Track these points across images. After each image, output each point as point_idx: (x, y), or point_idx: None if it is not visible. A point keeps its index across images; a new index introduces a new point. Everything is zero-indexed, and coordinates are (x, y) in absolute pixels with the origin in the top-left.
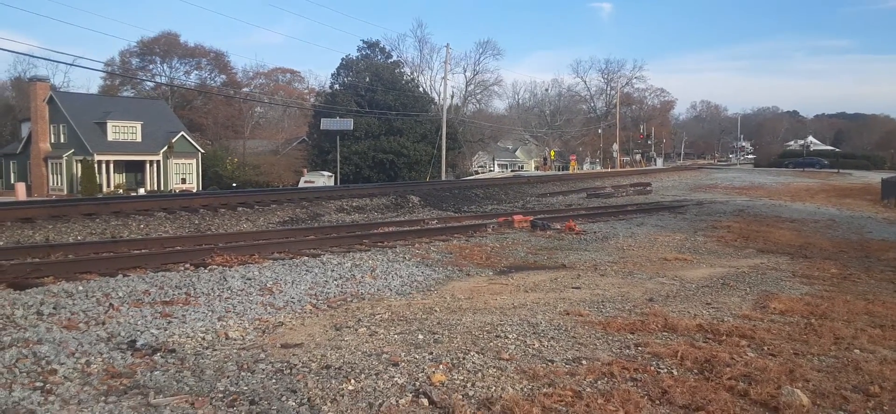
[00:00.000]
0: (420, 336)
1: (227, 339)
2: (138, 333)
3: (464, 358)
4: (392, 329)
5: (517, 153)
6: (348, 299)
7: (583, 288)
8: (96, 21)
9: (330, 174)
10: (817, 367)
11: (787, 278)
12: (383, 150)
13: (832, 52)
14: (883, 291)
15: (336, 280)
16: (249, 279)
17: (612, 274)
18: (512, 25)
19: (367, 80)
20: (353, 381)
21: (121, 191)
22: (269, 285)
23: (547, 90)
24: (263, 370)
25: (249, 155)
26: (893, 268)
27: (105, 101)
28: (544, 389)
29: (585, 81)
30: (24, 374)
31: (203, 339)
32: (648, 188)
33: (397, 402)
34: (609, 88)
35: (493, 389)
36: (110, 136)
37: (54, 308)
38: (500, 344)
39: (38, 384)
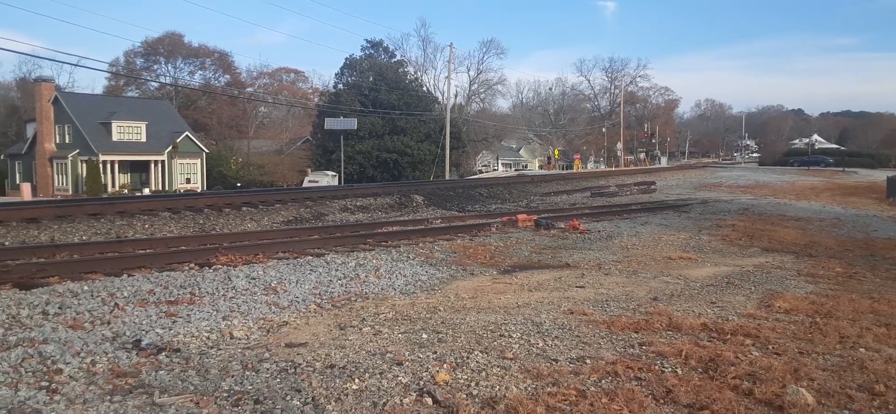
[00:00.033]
0: (424, 335)
1: (231, 338)
2: (143, 332)
3: (468, 357)
4: (396, 328)
5: (521, 152)
6: (352, 299)
7: (587, 287)
8: (100, 21)
9: (334, 174)
10: (822, 366)
11: (791, 277)
12: (387, 149)
13: (837, 50)
14: (888, 290)
15: (340, 279)
16: (254, 279)
17: (616, 273)
18: (515, 24)
19: (371, 79)
20: (357, 380)
21: (125, 191)
22: (273, 285)
23: (551, 89)
24: (268, 369)
25: (253, 155)
26: None
27: (110, 101)
28: (548, 389)
29: (589, 80)
30: (30, 373)
31: (208, 338)
32: (653, 187)
33: (401, 401)
34: (613, 87)
35: (497, 389)
36: (115, 137)
37: (60, 308)
38: (504, 343)
39: (43, 383)
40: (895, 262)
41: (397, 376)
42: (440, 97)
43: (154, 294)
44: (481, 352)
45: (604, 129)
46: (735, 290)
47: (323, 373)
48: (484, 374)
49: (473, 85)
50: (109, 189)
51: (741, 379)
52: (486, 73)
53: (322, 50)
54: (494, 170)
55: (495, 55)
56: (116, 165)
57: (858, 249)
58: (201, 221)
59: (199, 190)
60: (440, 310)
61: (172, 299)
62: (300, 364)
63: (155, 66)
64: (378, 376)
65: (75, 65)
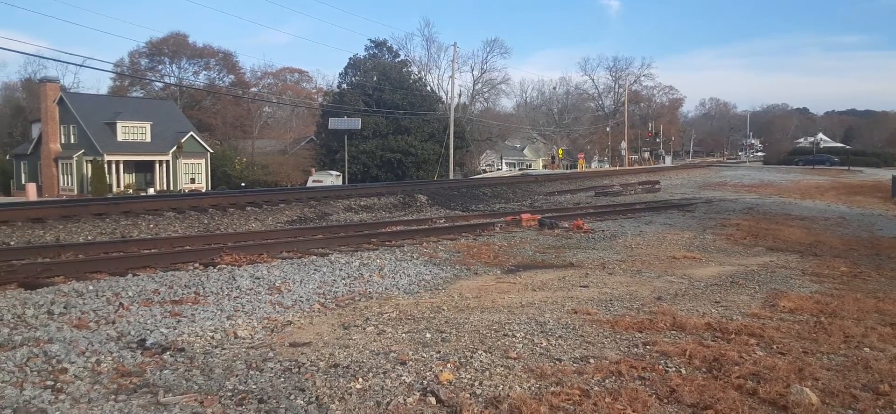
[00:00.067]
0: (428, 335)
1: (236, 338)
2: (148, 332)
3: (471, 357)
4: (400, 328)
5: (525, 152)
6: (356, 298)
7: (591, 286)
8: (105, 22)
9: (338, 173)
10: (827, 365)
11: (796, 276)
12: (391, 149)
13: (842, 49)
14: (893, 289)
15: (344, 279)
16: (258, 278)
17: (620, 272)
18: (519, 24)
19: (375, 79)
20: (360, 379)
21: (130, 191)
22: (277, 284)
23: (555, 88)
24: (272, 369)
25: (258, 155)
26: None
27: (115, 101)
28: (552, 388)
29: (593, 79)
30: (35, 373)
31: (212, 338)
32: (657, 186)
33: (405, 400)
34: (617, 86)
35: (500, 388)
36: (120, 137)
37: (65, 307)
38: (507, 343)
39: (48, 383)
40: None
41: (401, 376)
42: (444, 97)
43: (159, 294)
44: (485, 351)
45: (608, 129)
46: (739, 289)
47: (326, 372)
48: (487, 373)
49: (477, 84)
50: (114, 189)
51: (745, 379)
52: (489, 73)
53: (326, 50)
54: (498, 169)
55: (499, 54)
56: (121, 165)
57: (863, 248)
58: (206, 221)
59: (203, 190)
60: (444, 309)
61: (177, 299)
62: (304, 363)
63: (159, 67)
64: (381, 376)
65: (80, 65)
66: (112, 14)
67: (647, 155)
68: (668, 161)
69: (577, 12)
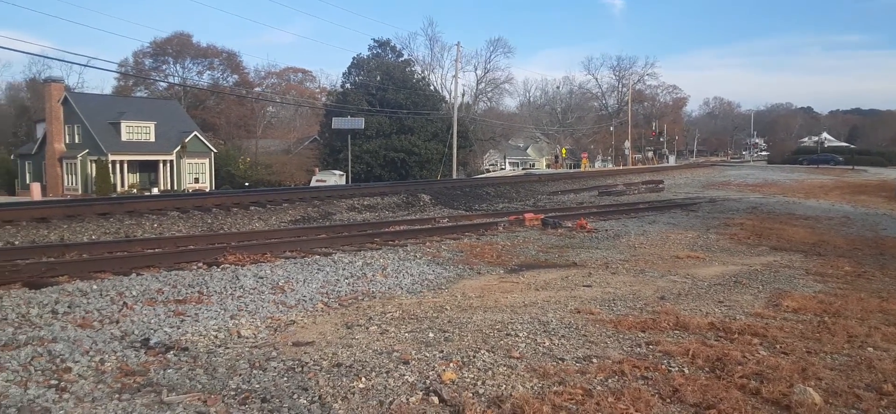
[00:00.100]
0: (431, 334)
1: (239, 337)
2: (151, 331)
3: (474, 356)
4: (403, 327)
5: (528, 151)
6: (359, 298)
7: (594, 286)
8: (109, 22)
9: (341, 173)
10: (830, 365)
11: (800, 276)
12: (394, 148)
13: (846, 48)
14: None
15: (347, 279)
16: (261, 278)
17: (623, 272)
18: (523, 23)
19: (379, 78)
20: (363, 379)
21: (134, 191)
22: (281, 284)
23: (558, 88)
24: (275, 368)
25: (262, 154)
26: None
27: (119, 101)
28: (555, 388)
29: (597, 79)
30: (39, 372)
31: (216, 337)
32: (661, 186)
33: (408, 400)
34: (621, 86)
35: (503, 388)
36: (124, 137)
37: (69, 307)
38: (510, 342)
39: (52, 382)
40: None
41: (404, 375)
42: (447, 96)
43: (162, 293)
44: (488, 351)
45: (611, 128)
46: (743, 289)
47: (330, 371)
48: (490, 372)
49: (481, 84)
50: (118, 189)
51: (748, 378)
52: (493, 72)
53: (329, 49)
54: (502, 169)
55: (502, 54)
56: (125, 165)
57: (868, 247)
58: (209, 221)
59: (207, 189)
60: (447, 309)
61: (181, 298)
62: (307, 363)
63: (163, 67)
64: (384, 375)
65: (84, 65)
66: (116, 14)
67: (650, 154)
68: (672, 160)
69: (580, 12)
